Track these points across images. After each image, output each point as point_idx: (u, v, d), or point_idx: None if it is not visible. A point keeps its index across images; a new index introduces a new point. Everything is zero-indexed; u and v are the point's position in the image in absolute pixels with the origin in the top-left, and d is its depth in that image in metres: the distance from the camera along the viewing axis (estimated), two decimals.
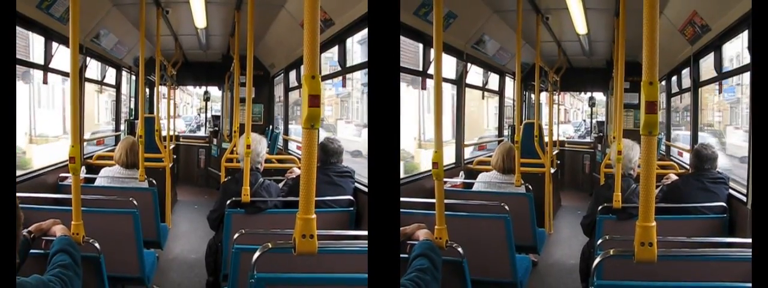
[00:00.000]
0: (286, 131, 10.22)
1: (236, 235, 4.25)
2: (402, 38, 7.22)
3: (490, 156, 7.09)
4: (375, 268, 2.80)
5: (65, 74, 8.08)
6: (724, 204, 5.46)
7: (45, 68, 7.40)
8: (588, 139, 12.13)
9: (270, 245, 3.38)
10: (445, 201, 3.81)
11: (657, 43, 2.92)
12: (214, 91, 11.84)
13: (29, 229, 3.75)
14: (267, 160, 6.42)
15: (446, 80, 8.37)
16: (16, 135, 2.85)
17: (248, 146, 5.41)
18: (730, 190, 5.67)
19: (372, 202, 2.82)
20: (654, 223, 3.03)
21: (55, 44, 7.35)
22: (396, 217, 2.87)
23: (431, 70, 7.52)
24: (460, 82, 8.93)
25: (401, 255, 3.62)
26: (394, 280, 2.83)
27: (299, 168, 6.35)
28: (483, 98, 10.43)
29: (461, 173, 8.41)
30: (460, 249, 3.82)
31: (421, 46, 7.74)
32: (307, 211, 2.97)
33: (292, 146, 9.97)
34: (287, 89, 10.24)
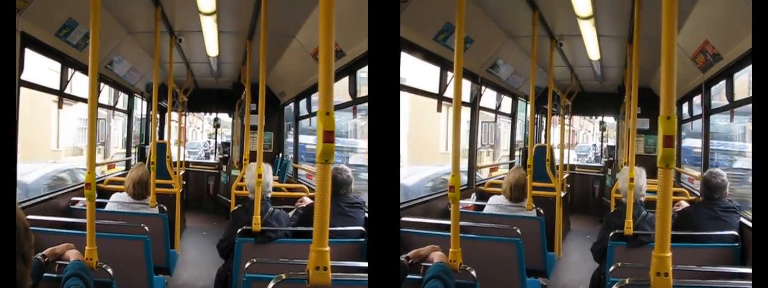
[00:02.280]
0: (296, 160, 10.23)
1: (248, 264, 4.27)
2: (421, 62, 7.30)
3: (502, 178, 7.08)
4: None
5: (82, 100, 8.16)
6: (736, 233, 5.44)
7: (61, 93, 7.47)
8: (597, 164, 12.13)
9: (284, 276, 3.40)
10: None
11: (675, 77, 2.92)
12: (224, 118, 11.88)
13: (43, 252, 3.78)
14: (277, 189, 6.41)
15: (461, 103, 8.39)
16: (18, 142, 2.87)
17: (260, 175, 5.42)
18: (742, 219, 5.64)
19: (372, 222, 2.84)
20: (670, 254, 3.04)
21: (70, 70, 7.43)
22: (396, 235, 2.88)
23: (448, 93, 7.68)
24: (474, 105, 8.97)
25: (415, 276, 3.65)
26: None
27: (309, 197, 6.36)
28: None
29: (473, 195, 8.42)
30: (473, 272, 3.84)
31: (438, 69, 7.79)
32: (321, 243, 2.98)
33: (301, 174, 9.98)
34: (297, 118, 10.27)
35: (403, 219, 5.73)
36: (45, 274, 3.69)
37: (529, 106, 8.16)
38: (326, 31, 2.92)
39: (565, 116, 10.71)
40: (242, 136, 9.15)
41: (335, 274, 3.03)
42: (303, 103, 9.90)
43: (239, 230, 5.23)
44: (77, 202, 6.77)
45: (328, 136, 2.86)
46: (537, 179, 7.32)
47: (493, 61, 8.83)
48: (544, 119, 10.94)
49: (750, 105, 6.42)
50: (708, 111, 8.13)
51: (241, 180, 7.49)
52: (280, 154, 10.49)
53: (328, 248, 2.99)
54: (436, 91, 7.90)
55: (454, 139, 3.88)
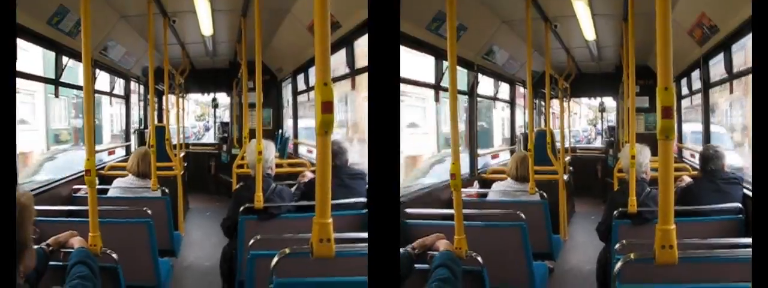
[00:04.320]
0: (296, 135, 10.24)
1: (251, 242, 4.27)
2: (415, 52, 7.27)
3: (504, 165, 7.07)
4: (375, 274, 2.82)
5: (77, 87, 8.13)
6: (739, 205, 5.43)
7: (56, 82, 7.44)
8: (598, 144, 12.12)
9: (288, 251, 3.41)
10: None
11: (671, 49, 2.93)
12: (222, 98, 11.86)
13: (47, 241, 3.78)
14: (278, 165, 6.43)
15: (458, 92, 8.38)
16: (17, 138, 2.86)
17: (260, 152, 5.41)
18: (745, 190, 5.65)
19: (372, 211, 2.83)
20: (674, 226, 3.04)
21: (64, 58, 7.40)
22: (396, 222, 2.88)
23: (444, 83, 7.67)
24: (471, 93, 8.96)
25: (422, 265, 3.64)
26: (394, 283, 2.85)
27: (311, 172, 6.35)
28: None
29: (475, 183, 8.42)
30: (479, 258, 3.85)
31: (433, 58, 7.77)
32: (323, 215, 2.99)
33: (302, 150, 9.98)
34: (296, 93, 10.27)
35: (407, 210, 5.73)
36: (50, 263, 3.69)
37: (526, 91, 8.15)
38: (321, 1, 2.90)
39: (564, 99, 10.69)
40: (241, 114, 9.16)
41: (338, 245, 3.03)
42: (301, 78, 9.91)
43: (242, 208, 5.24)
44: (79, 189, 6.76)
45: (327, 107, 2.85)
46: (539, 163, 7.32)
47: (488, 48, 8.83)
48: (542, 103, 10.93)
49: None
50: (707, 85, 8.12)
51: (242, 158, 7.47)
52: (280, 131, 10.50)
53: (330, 220, 3.00)
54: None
55: (453, 128, 3.89)
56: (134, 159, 6.48)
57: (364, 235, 4.12)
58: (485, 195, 6.97)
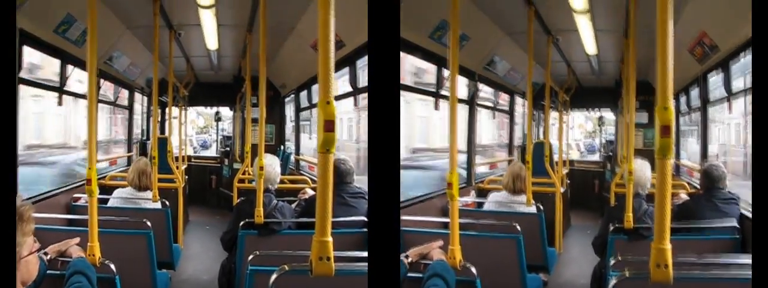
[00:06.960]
0: (298, 151, 10.24)
1: (251, 257, 4.28)
2: (418, 60, 7.30)
3: (501, 175, 7.08)
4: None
5: (81, 96, 8.17)
6: (736, 224, 5.45)
7: (60, 90, 7.46)
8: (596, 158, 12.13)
9: (287, 267, 3.41)
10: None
11: (671, 68, 2.94)
12: (225, 112, 11.90)
13: (45, 250, 3.78)
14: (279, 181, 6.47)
15: (458, 100, 8.42)
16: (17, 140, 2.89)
17: (261, 168, 5.43)
18: (742, 210, 5.66)
19: (372, 218, 2.85)
20: (669, 246, 3.04)
21: (69, 67, 7.44)
22: (396, 231, 2.90)
23: (445, 91, 7.70)
24: (471, 102, 8.99)
25: (415, 274, 3.65)
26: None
27: (312, 189, 6.37)
28: None
29: (472, 192, 8.42)
30: (473, 269, 3.84)
31: (435, 67, 7.81)
32: (324, 233, 2.98)
33: (303, 166, 10.00)
34: (298, 109, 10.29)
35: (402, 218, 5.73)
36: (48, 272, 3.69)
37: (526, 102, 8.17)
38: (325, 20, 2.93)
39: (563, 112, 10.72)
40: (243, 129, 9.19)
41: (338, 264, 3.04)
42: (304, 94, 9.93)
43: (243, 223, 5.24)
44: (79, 198, 6.77)
45: (329, 126, 2.87)
46: (536, 175, 7.32)
47: (489, 58, 8.85)
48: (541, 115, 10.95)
49: None
50: (706, 102, 8.15)
51: (245, 173, 7.48)
52: (282, 147, 10.52)
53: (330, 238, 2.98)
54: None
55: (451, 136, 3.90)
56: (134, 173, 6.49)
57: (364, 254, 4.13)
58: (481, 205, 6.96)
